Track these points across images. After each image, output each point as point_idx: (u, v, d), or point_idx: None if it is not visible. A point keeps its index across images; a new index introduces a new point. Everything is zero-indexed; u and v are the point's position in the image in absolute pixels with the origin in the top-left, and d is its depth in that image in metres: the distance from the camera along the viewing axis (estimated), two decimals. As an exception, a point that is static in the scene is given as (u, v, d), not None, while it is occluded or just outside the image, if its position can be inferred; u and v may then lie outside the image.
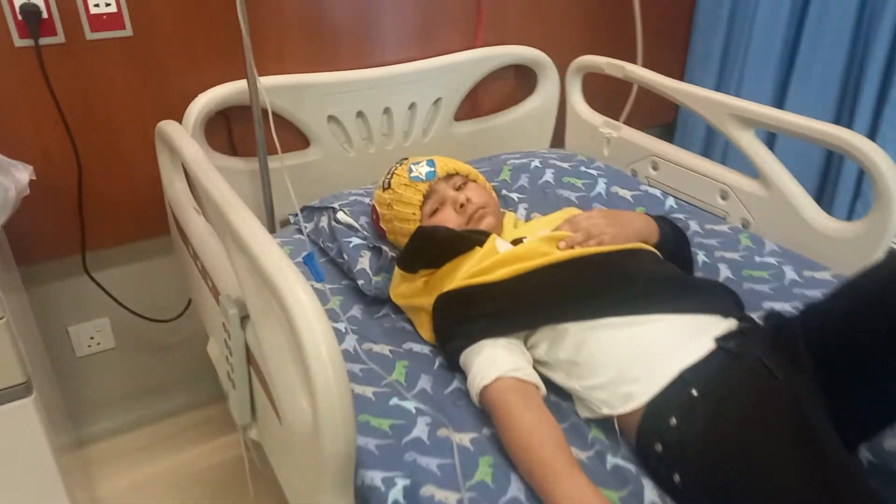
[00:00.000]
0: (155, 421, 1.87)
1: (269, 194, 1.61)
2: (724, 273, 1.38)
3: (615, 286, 1.07)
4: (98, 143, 1.49)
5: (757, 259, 1.41)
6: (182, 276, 1.57)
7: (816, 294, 1.29)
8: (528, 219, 1.46)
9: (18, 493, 1.18)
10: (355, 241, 1.35)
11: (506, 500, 0.88)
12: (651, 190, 1.54)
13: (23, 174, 1.21)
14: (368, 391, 1.06)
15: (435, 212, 1.27)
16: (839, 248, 1.37)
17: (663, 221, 1.25)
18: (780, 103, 2.00)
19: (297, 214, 1.51)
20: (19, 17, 1.32)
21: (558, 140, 2.01)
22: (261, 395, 1.04)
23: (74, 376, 1.73)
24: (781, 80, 2.01)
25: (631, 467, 0.95)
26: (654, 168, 1.72)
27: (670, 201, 1.53)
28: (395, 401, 1.05)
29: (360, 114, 1.69)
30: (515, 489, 0.90)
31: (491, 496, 0.89)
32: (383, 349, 1.17)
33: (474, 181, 1.33)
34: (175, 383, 1.87)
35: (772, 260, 1.41)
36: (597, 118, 1.85)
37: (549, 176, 1.55)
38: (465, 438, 0.99)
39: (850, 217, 1.86)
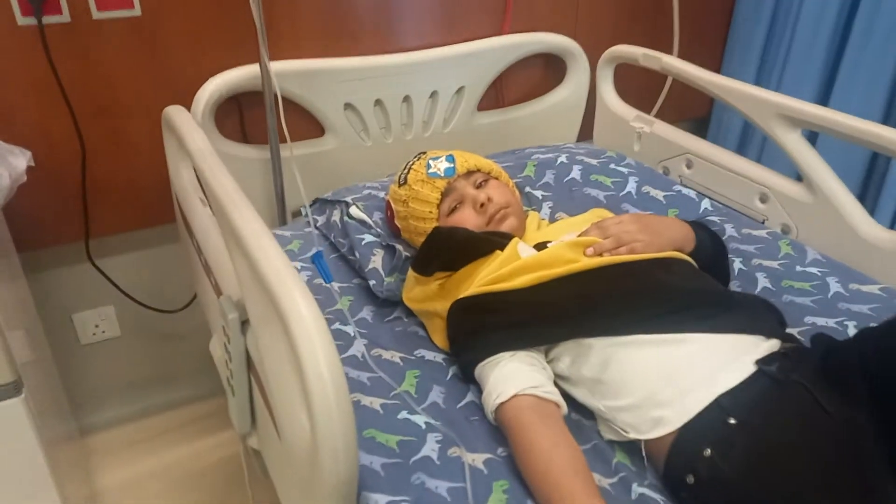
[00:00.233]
0: (158, 412, 1.82)
1: (281, 184, 1.54)
2: (763, 283, 1.28)
3: (647, 300, 0.98)
4: (103, 127, 1.42)
5: (798, 269, 1.31)
6: (188, 266, 1.51)
7: (863, 309, 1.19)
8: (552, 219, 1.37)
9: (7, 491, 1.13)
10: (368, 238, 1.28)
11: (521, 533, 0.81)
12: (685, 190, 1.45)
13: (20, 160, 1.15)
14: (376, 403, 0.99)
15: (453, 211, 1.18)
16: (889, 260, 1.27)
17: (700, 228, 1.16)
18: (823, 102, 1.89)
19: (308, 206, 1.44)
20: (22, -6, 1.26)
21: (586, 134, 1.91)
22: (261, 404, 0.98)
23: (78, 364, 1.69)
24: (826, 78, 1.90)
25: (658, 498, 0.87)
26: (689, 166, 1.62)
27: (706, 203, 1.43)
28: (404, 414, 0.97)
29: (378, 102, 1.61)
30: (531, 520, 0.82)
31: (504, 528, 0.81)
32: (393, 356, 1.09)
33: (496, 178, 1.24)
34: (180, 374, 1.82)
35: (814, 270, 1.31)
36: (628, 112, 1.75)
37: (576, 173, 1.46)
38: (478, 459, 0.91)
39: (893, 225, 1.74)
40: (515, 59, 1.74)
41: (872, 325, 0.99)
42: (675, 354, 0.93)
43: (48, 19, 1.29)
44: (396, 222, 1.25)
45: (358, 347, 1.09)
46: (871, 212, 1.77)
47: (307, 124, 1.59)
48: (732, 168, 1.52)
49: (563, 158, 1.50)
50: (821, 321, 1.18)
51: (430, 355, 1.11)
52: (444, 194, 1.18)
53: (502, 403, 0.93)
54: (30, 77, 1.32)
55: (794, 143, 1.38)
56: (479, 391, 1.02)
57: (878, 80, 1.74)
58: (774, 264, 1.33)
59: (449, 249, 1.10)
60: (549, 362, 1.02)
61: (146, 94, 1.43)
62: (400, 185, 1.22)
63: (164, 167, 1.40)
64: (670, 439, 0.88)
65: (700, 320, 0.95)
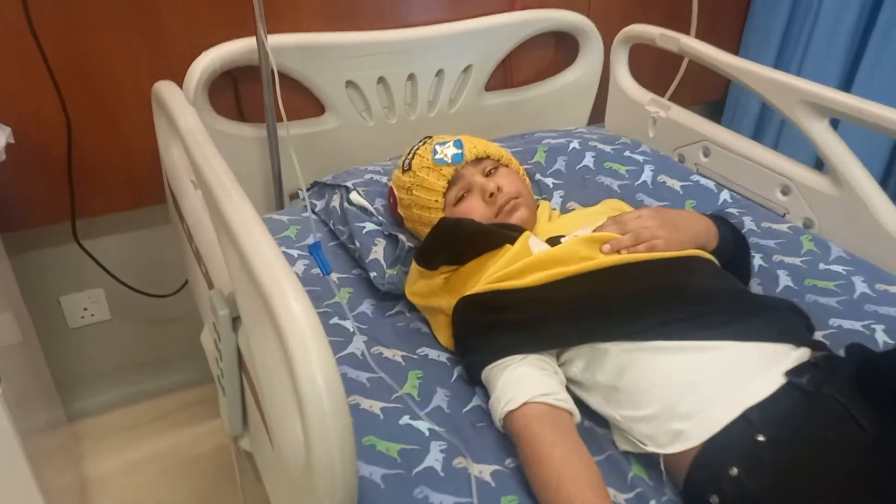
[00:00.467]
0: (150, 398, 1.76)
1: (278, 165, 1.46)
2: (784, 281, 1.22)
3: (668, 302, 0.91)
4: (90, 102, 1.34)
5: (821, 266, 1.25)
6: (179, 250, 1.44)
7: (891, 311, 1.12)
8: (564, 209, 1.30)
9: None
10: (369, 226, 1.20)
11: (531, 555, 0.75)
12: (703, 181, 1.37)
13: (-2, 137, 1.07)
14: (376, 406, 0.93)
15: (460, 200, 1.11)
16: (919, 259, 1.20)
17: (723, 224, 1.09)
18: (845, 88, 1.81)
19: (305, 190, 1.37)
20: (2, -44, 1.17)
21: (597, 117, 1.83)
22: (254, 406, 0.91)
23: (67, 348, 1.62)
24: (849, 64, 1.81)
25: (678, 516, 0.82)
26: (706, 154, 1.54)
27: (725, 195, 1.36)
28: (406, 420, 0.91)
29: (381, 80, 1.53)
30: (543, 541, 0.77)
31: (513, 550, 0.76)
32: (395, 355, 1.03)
33: (506, 166, 1.17)
34: (172, 359, 1.76)
35: (839, 268, 1.24)
36: (643, 95, 1.67)
37: (588, 160, 1.39)
38: (485, 471, 0.85)
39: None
40: (526, 37, 1.66)
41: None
42: (698, 363, 0.86)
43: (30, -15, 1.21)
44: (399, 210, 1.18)
45: (357, 345, 1.03)
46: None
47: (306, 102, 1.51)
48: (753, 157, 1.44)
49: (575, 144, 1.42)
50: (847, 324, 1.12)
51: (433, 354, 1.04)
52: (451, 182, 1.11)
53: (511, 411, 0.87)
54: (11, 48, 1.24)
55: (821, 133, 1.31)
56: (486, 394, 0.96)
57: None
58: (797, 261, 1.26)
59: (456, 242, 1.03)
60: (560, 365, 0.96)
61: (137, 67, 1.35)
62: (404, 172, 1.15)
63: (156, 146, 1.32)
64: (692, 454, 0.82)
65: (725, 326, 0.89)
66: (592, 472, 0.81)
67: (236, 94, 1.45)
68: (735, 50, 2.06)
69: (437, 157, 1.11)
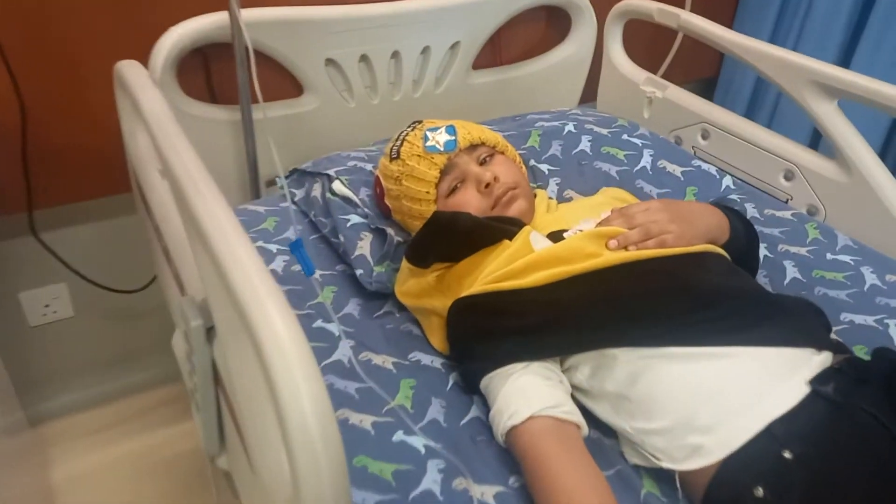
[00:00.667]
0: (119, 397, 1.66)
1: (254, 150, 1.36)
2: (791, 273, 1.16)
3: (682, 304, 0.84)
4: (47, 82, 1.23)
5: (829, 256, 1.19)
6: (147, 243, 1.34)
7: (903, 305, 1.08)
8: (561, 198, 1.22)
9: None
10: (354, 219, 1.12)
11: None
12: (705, 166, 1.31)
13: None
14: (367, 421, 0.85)
15: (453, 191, 1.03)
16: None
17: (733, 215, 1.02)
18: (843, 66, 1.74)
19: (283, 178, 1.27)
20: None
21: (588, 97, 1.75)
22: (232, 425, 0.83)
23: (27, 347, 1.52)
24: (848, 41, 1.75)
25: (695, 537, 0.76)
26: (704, 137, 1.47)
27: (727, 181, 1.29)
28: (399, 436, 0.84)
29: (363, 57, 1.43)
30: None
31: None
32: (385, 361, 0.95)
33: (502, 153, 1.08)
34: (142, 356, 1.66)
35: (847, 258, 1.18)
36: (638, 74, 1.60)
37: (585, 144, 1.31)
38: (487, 493, 0.78)
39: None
40: (516, 11, 1.56)
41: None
42: (717, 371, 0.80)
43: (-27, -47, 1.09)
44: (387, 201, 1.09)
45: (344, 350, 0.95)
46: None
47: (283, 82, 1.40)
48: (754, 141, 1.38)
49: (570, 127, 1.34)
50: (858, 318, 1.07)
51: (426, 359, 0.97)
52: (444, 172, 1.02)
53: (515, 426, 0.80)
54: (-46, 22, 1.13)
55: (829, 115, 1.24)
56: (485, 404, 0.89)
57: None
58: (803, 251, 1.21)
59: (450, 239, 0.95)
60: (563, 371, 0.89)
61: (99, 42, 1.23)
62: (392, 160, 1.06)
63: (120, 130, 1.21)
64: (711, 471, 0.76)
65: (744, 330, 0.82)
66: (606, 495, 0.75)
67: (207, 73, 1.34)
68: (729, 23, 1.99)
69: (429, 144, 1.02)
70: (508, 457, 0.83)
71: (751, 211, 1.30)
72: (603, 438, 0.88)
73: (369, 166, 1.21)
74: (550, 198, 1.19)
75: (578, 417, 0.82)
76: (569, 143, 1.31)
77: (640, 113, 1.58)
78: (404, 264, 1.00)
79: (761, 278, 1.15)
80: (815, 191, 1.30)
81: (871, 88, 1.16)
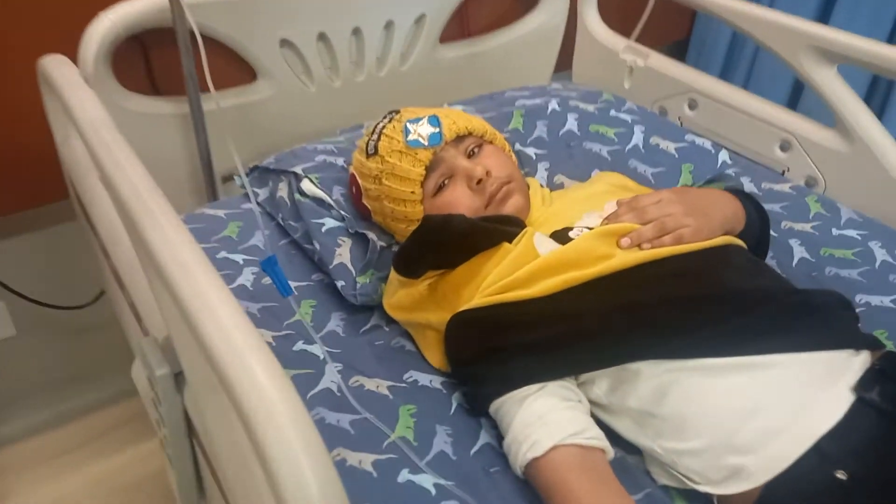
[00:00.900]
0: (74, 419, 1.53)
1: (206, 146, 1.22)
2: (799, 253, 1.09)
3: (711, 309, 0.76)
4: (-41, 80, 1.07)
5: (834, 232, 1.13)
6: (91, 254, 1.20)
7: (917, 283, 1.02)
8: (551, 184, 1.13)
9: None
10: (329, 222, 1.00)
11: None
12: (699, 141, 1.22)
13: None
14: (367, 461, 0.75)
15: (440, 188, 0.92)
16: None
17: (747, 200, 0.94)
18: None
19: (244, 176, 1.14)
20: None
21: (563, 67, 1.65)
22: (211, 478, 0.72)
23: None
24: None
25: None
26: (692, 107, 1.39)
27: (723, 155, 1.21)
28: (405, 475, 0.74)
29: (321, 36, 1.30)
30: None
31: None
32: (380, 386, 0.85)
33: (490, 143, 0.98)
34: (97, 372, 1.52)
35: (853, 233, 1.12)
36: (617, 41, 1.50)
37: (572, 123, 1.21)
38: (510, 538, 0.70)
39: None
40: (483, -22, 1.45)
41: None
42: (755, 383, 0.72)
43: None
44: (365, 202, 0.98)
45: (331, 376, 0.85)
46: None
47: (234, 68, 1.26)
48: (747, 110, 1.30)
49: (554, 105, 1.24)
50: (875, 300, 1.01)
51: (424, 379, 0.87)
52: (429, 168, 0.91)
53: (536, 458, 0.71)
54: None
55: (829, 82, 1.17)
56: (494, 427, 0.80)
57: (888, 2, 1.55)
58: (807, 227, 1.14)
59: (443, 245, 0.84)
60: (578, 385, 0.81)
61: (24, 33, 1.07)
62: (369, 156, 0.94)
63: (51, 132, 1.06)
64: (753, 496, 0.69)
65: (778, 335, 0.74)
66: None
67: (147, 62, 1.19)
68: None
69: (411, 138, 0.91)
70: (528, 488, 0.74)
71: (748, 185, 1.23)
72: (626, 456, 0.80)
73: (341, 161, 1.09)
74: (542, 186, 1.09)
75: (604, 443, 0.74)
76: (554, 122, 1.21)
77: (621, 83, 1.49)
78: (393, 275, 0.89)
79: (768, 260, 1.08)
80: (813, 161, 1.23)
81: (874, 52, 1.09)
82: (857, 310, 0.98)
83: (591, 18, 1.52)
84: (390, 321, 0.94)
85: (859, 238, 1.11)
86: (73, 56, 1.03)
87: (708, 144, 1.22)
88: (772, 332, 0.75)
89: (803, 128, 1.23)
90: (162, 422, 0.72)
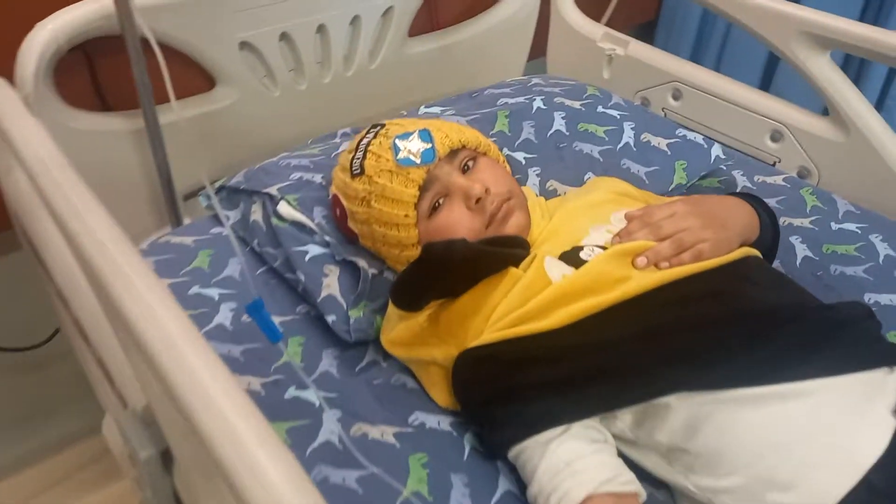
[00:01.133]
0: (35, 461, 1.41)
1: (165, 163, 1.12)
2: (801, 252, 1.06)
3: (739, 336, 0.71)
4: None
5: (834, 226, 1.10)
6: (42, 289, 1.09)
7: (922, 277, 1.00)
8: (543, 190, 1.06)
9: None
10: (313, 249, 0.91)
11: None
12: (690, 135, 1.17)
13: None
14: (380, 525, 0.68)
15: (435, 209, 0.84)
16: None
17: (758, 204, 0.89)
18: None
19: (209, 197, 1.04)
20: None
21: (536, 54, 1.58)
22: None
23: None
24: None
25: None
26: (676, 98, 1.34)
27: (716, 150, 1.16)
28: (424, 538, 0.68)
29: (284, 36, 1.20)
30: None
31: None
32: (385, 433, 0.77)
33: (485, 154, 0.90)
34: (55, 409, 1.41)
35: (853, 227, 1.09)
36: (594, 29, 1.43)
37: (559, 123, 1.14)
38: None
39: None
40: (452, -34, 1.36)
41: None
42: (794, 414, 0.67)
43: None
44: (351, 226, 0.89)
45: (330, 426, 0.77)
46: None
47: (189, 76, 1.15)
48: (735, 100, 1.25)
49: (539, 103, 1.17)
50: (884, 299, 0.98)
51: (431, 421, 0.80)
52: (422, 188, 0.83)
53: (568, 511, 0.65)
54: None
55: (823, 70, 1.13)
56: (513, 471, 0.74)
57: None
58: (806, 223, 1.11)
59: (447, 275, 0.77)
60: (600, 420, 0.75)
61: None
62: (354, 177, 0.85)
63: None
64: (800, 535, 0.64)
65: (812, 358, 0.70)
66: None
67: (93, 75, 1.08)
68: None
69: (401, 156, 0.83)
70: (557, 541, 0.68)
71: (740, 179, 1.19)
72: (654, 492, 0.75)
73: (318, 178, 1.00)
74: (537, 195, 1.02)
75: (637, 486, 0.69)
76: (541, 123, 1.14)
77: (599, 73, 1.43)
78: (391, 308, 0.82)
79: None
80: (806, 152, 1.19)
81: (870, 37, 1.05)
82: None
83: (565, 4, 1.45)
84: (388, 355, 0.87)
85: (859, 232, 1.08)
86: (8, 74, 0.91)
87: (700, 139, 1.17)
88: (806, 356, 0.70)
89: (796, 118, 1.19)
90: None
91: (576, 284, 0.75)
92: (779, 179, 1.19)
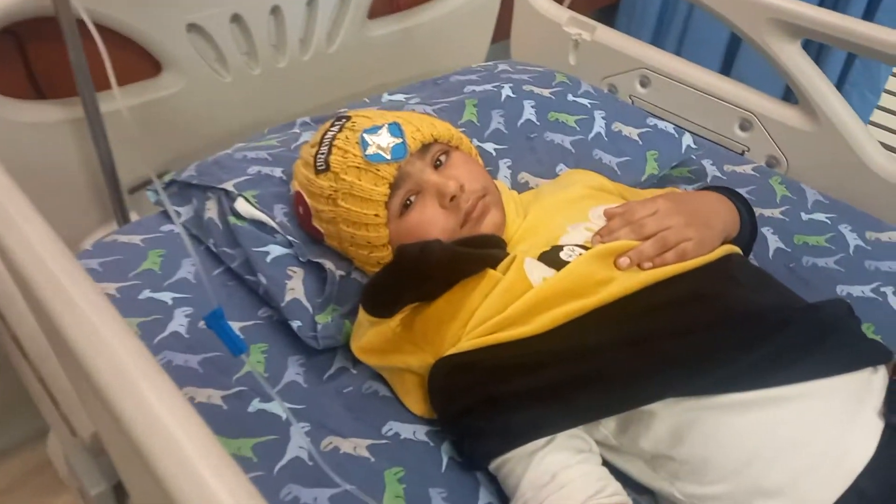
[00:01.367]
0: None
1: (108, 154, 1.04)
2: (773, 243, 1.05)
3: (725, 339, 0.69)
4: None
5: (804, 217, 1.09)
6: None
7: (894, 267, 1.00)
8: (514, 183, 1.02)
9: None
10: (275, 250, 0.86)
11: None
12: (661, 124, 1.14)
13: None
14: (357, 548, 0.64)
15: (406, 207, 0.79)
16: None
17: (737, 200, 0.87)
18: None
19: (157, 192, 0.97)
20: None
21: (500, 37, 1.53)
22: None
23: None
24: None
25: None
26: (643, 85, 1.31)
27: (687, 140, 1.14)
28: (404, 560, 0.64)
29: (235, 18, 1.13)
30: None
31: None
32: (357, 447, 0.73)
33: (457, 148, 0.85)
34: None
35: (822, 216, 1.09)
36: (560, 13, 1.39)
37: (529, 112, 1.10)
38: None
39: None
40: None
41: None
42: (781, 419, 0.66)
43: None
44: (316, 224, 0.84)
45: (298, 440, 0.72)
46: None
47: (132, 60, 1.07)
48: (704, 88, 1.23)
49: (507, 91, 1.12)
50: (856, 291, 0.97)
51: (406, 431, 0.76)
52: (393, 185, 0.78)
53: (557, 526, 0.62)
54: None
55: (792, 57, 1.11)
56: (493, 481, 0.71)
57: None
58: (776, 213, 1.10)
59: (422, 279, 0.72)
60: (583, 427, 0.72)
61: None
62: (319, 173, 0.80)
63: None
64: (789, 542, 0.63)
65: (799, 361, 0.68)
66: None
67: (25, 60, 0.99)
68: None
69: (370, 151, 0.77)
70: (542, 556, 0.66)
71: (709, 169, 1.17)
72: (638, 498, 0.72)
73: (278, 171, 0.94)
74: (509, 189, 0.98)
75: (624, 496, 0.66)
76: (510, 112, 1.09)
77: (565, 59, 1.39)
78: (361, 314, 0.77)
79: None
80: (775, 141, 1.18)
81: (840, 26, 1.04)
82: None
83: (530, -13, 1.40)
84: (358, 361, 0.82)
85: (829, 222, 1.08)
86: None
87: (671, 128, 1.15)
88: (793, 360, 0.68)
89: (765, 107, 1.18)
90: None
91: (557, 288, 0.71)
92: (748, 169, 1.17)
